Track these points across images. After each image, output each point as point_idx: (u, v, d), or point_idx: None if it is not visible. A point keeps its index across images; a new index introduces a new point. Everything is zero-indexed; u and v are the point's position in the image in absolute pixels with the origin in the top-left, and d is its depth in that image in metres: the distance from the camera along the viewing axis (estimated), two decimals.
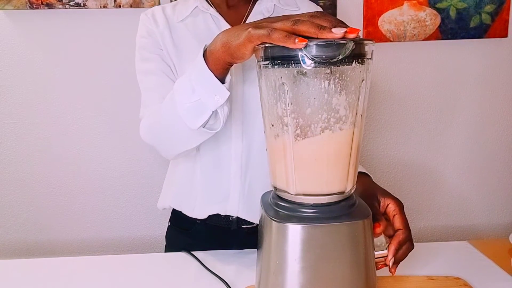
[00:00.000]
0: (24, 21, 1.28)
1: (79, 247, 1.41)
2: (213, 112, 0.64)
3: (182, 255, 0.87)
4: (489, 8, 1.32)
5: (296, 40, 0.48)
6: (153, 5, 1.23)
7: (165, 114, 0.71)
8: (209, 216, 0.85)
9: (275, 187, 0.60)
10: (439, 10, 1.32)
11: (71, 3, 1.25)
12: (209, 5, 0.85)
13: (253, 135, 0.82)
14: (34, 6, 1.24)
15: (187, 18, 0.85)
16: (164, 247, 1.00)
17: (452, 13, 1.33)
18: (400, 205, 0.65)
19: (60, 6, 1.25)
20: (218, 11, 0.85)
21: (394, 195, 0.68)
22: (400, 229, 0.63)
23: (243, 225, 0.86)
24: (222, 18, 0.83)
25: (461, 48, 1.36)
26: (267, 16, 0.84)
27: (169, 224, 0.98)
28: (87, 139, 1.36)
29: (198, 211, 0.85)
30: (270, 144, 0.59)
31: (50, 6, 1.25)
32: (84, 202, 1.40)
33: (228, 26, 0.82)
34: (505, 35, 1.35)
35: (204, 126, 0.66)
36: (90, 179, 1.38)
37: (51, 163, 1.36)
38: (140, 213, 1.42)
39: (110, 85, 1.33)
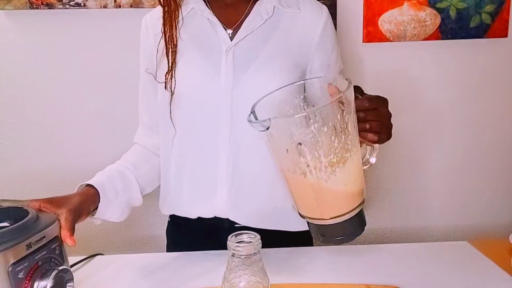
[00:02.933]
0: (24, 21, 1.27)
1: (79, 247, 1.40)
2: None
3: (182, 255, 0.87)
4: (489, 8, 1.32)
5: None
6: (153, 5, 1.23)
7: None
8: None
9: (302, 215, 0.64)
10: (439, 10, 1.32)
11: (71, 3, 1.25)
12: (205, 6, 0.84)
13: (241, 140, 0.81)
14: (34, 6, 1.24)
15: (185, 19, 0.85)
16: (165, 245, 1.01)
17: (452, 13, 1.33)
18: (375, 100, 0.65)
19: (60, 6, 1.25)
20: (214, 12, 0.84)
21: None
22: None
23: (236, 224, 0.86)
24: (219, 21, 0.83)
25: (461, 48, 1.36)
26: (265, 19, 0.82)
27: (169, 219, 0.99)
28: (87, 138, 1.36)
29: (188, 213, 0.88)
30: (294, 184, 0.61)
31: (50, 6, 1.25)
32: None
33: (224, 32, 0.82)
34: (505, 35, 1.35)
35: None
36: (91, 178, 1.38)
37: (51, 163, 1.36)
38: (141, 213, 1.42)
39: (110, 85, 1.33)
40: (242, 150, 0.82)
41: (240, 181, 0.82)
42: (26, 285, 0.57)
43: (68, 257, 0.70)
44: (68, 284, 0.62)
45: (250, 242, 0.58)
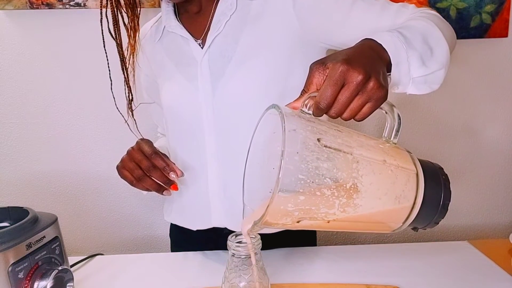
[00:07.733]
0: (24, 21, 1.27)
1: (79, 247, 1.41)
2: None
3: (182, 255, 0.87)
4: (489, 8, 1.32)
5: None
6: (153, 5, 1.23)
7: None
8: None
9: None
10: (439, 10, 1.32)
11: (71, 3, 1.25)
12: (176, 21, 0.81)
13: (228, 150, 0.80)
14: (34, 6, 1.24)
15: (162, 38, 0.86)
16: (168, 245, 1.01)
17: (453, 13, 1.32)
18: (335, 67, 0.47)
19: (60, 6, 1.25)
20: (185, 24, 0.82)
21: None
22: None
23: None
24: (189, 34, 0.80)
25: (461, 48, 1.36)
26: (230, 15, 0.77)
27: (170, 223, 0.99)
28: (87, 139, 1.36)
29: (187, 225, 0.88)
30: (339, 227, 0.51)
31: (50, 6, 1.25)
32: (85, 202, 1.40)
33: (195, 43, 0.80)
34: (505, 35, 1.35)
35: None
36: (91, 178, 1.38)
37: (51, 163, 1.36)
38: (141, 213, 1.42)
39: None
40: (229, 159, 0.81)
41: (232, 191, 0.81)
42: (26, 285, 0.57)
43: (68, 257, 0.70)
44: (68, 284, 0.63)
45: None
